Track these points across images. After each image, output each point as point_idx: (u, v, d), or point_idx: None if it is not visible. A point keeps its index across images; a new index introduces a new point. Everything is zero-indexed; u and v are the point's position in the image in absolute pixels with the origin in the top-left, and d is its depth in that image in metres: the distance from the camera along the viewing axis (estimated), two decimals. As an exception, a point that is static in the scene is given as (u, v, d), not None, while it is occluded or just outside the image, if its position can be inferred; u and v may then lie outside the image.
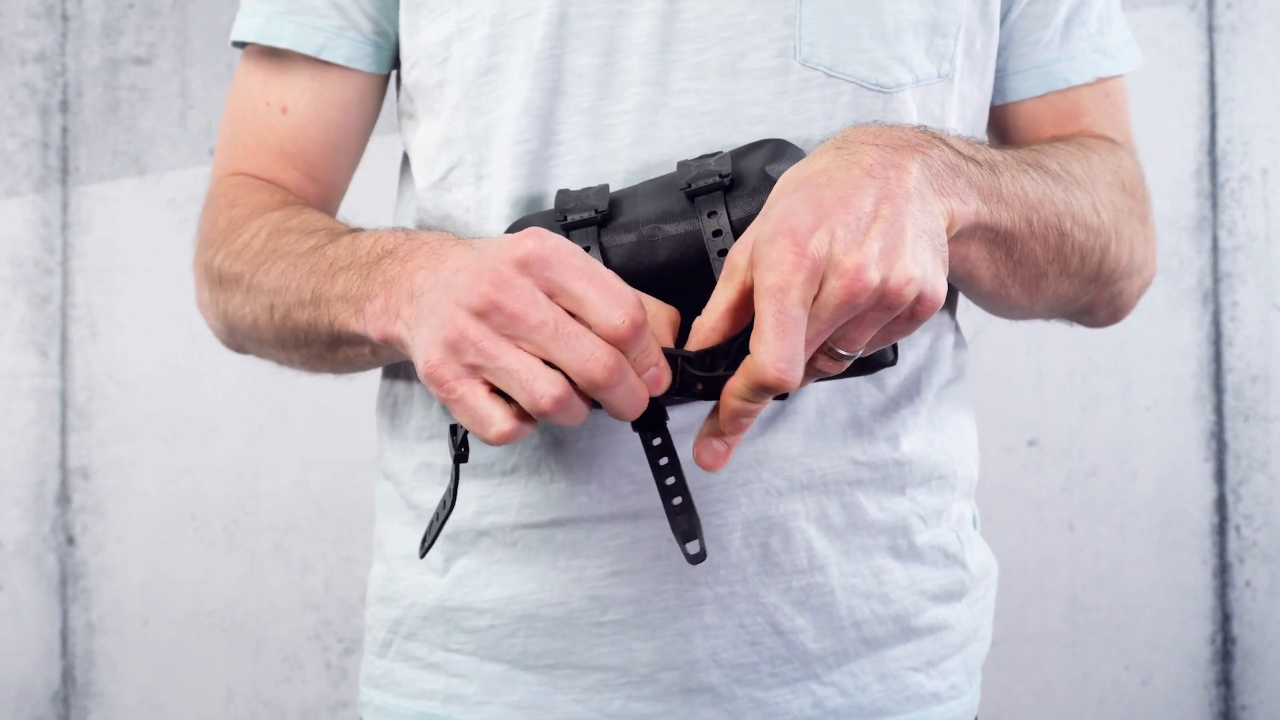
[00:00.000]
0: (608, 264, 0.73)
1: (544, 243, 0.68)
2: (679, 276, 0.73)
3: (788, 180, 0.70)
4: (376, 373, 0.99)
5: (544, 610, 0.87)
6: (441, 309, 0.68)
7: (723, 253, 0.72)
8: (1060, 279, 0.85)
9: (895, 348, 0.75)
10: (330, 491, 2.12)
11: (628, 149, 0.83)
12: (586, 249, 0.74)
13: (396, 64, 0.96)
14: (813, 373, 0.70)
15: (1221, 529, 2.14)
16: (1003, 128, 0.98)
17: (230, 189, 0.94)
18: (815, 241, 0.65)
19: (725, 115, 0.83)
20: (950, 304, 0.94)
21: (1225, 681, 2.14)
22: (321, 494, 2.12)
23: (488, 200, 0.86)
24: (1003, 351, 2.10)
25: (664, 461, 0.73)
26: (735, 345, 0.68)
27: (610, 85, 0.84)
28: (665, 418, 0.73)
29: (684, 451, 0.83)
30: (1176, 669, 2.14)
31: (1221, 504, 2.14)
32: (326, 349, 0.83)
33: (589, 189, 0.78)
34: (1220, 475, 2.13)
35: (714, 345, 0.68)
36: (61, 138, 2.12)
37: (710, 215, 0.73)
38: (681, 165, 0.77)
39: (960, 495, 0.94)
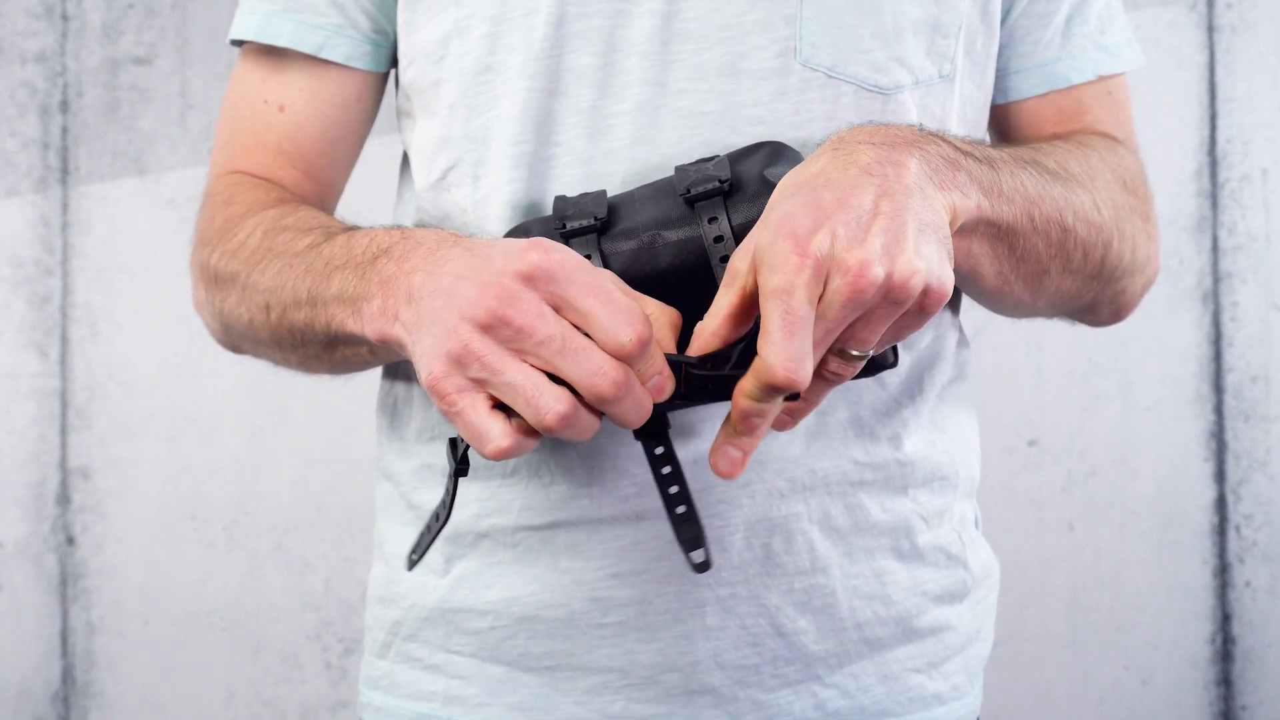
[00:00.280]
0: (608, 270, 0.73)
1: (549, 255, 0.67)
2: (680, 282, 0.72)
3: (786, 184, 0.70)
4: (376, 373, 0.99)
5: (545, 612, 0.87)
6: (445, 320, 0.68)
7: (725, 259, 0.72)
8: (1063, 275, 0.85)
9: (896, 350, 0.74)
10: (330, 491, 2.12)
11: (627, 149, 0.83)
12: (587, 257, 0.73)
13: (395, 62, 0.96)
14: (824, 378, 0.70)
15: (1221, 529, 2.14)
16: (1005, 127, 0.98)
17: (227, 187, 0.94)
18: (817, 241, 0.65)
19: (725, 116, 0.83)
20: (954, 303, 0.94)
21: (1225, 681, 2.14)
22: (321, 494, 2.12)
23: (486, 200, 0.85)
24: (1003, 351, 2.10)
25: (667, 470, 0.73)
26: (738, 348, 0.68)
27: (609, 85, 0.84)
28: (667, 426, 0.72)
29: (685, 454, 0.83)
30: (1176, 669, 2.14)
31: (1221, 504, 2.14)
32: (323, 349, 0.83)
33: (586, 195, 0.78)
34: (1220, 475, 2.13)
35: (715, 350, 0.68)
36: (61, 138, 2.12)
37: (711, 221, 0.73)
38: (679, 170, 0.77)
39: (962, 495, 0.94)
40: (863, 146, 0.71)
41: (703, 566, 0.72)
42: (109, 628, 2.12)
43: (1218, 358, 2.13)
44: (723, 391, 0.69)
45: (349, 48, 0.93)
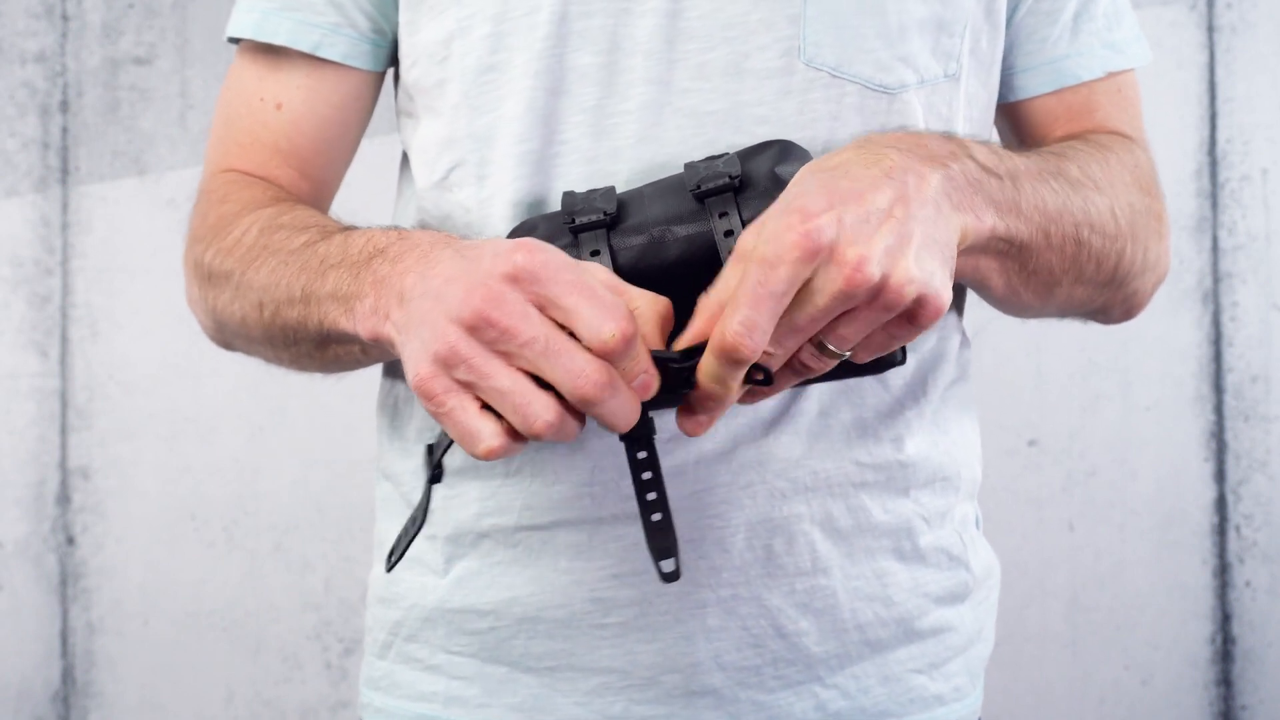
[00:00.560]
0: (617, 265, 0.73)
1: (533, 256, 0.67)
2: (688, 276, 0.72)
3: (805, 171, 0.70)
4: (376, 373, 0.99)
5: (545, 612, 0.87)
6: (432, 321, 0.68)
7: None
8: (1075, 285, 0.85)
9: (904, 348, 0.74)
10: (330, 491, 2.12)
11: (631, 149, 0.83)
12: (595, 252, 0.73)
13: (394, 62, 0.96)
14: (794, 368, 0.70)
15: (1221, 529, 2.14)
16: (1015, 125, 0.98)
17: (221, 185, 0.94)
18: (822, 222, 0.65)
19: (729, 115, 0.83)
20: (958, 304, 0.94)
21: (1225, 681, 2.14)
22: (321, 494, 2.12)
23: (490, 200, 0.85)
24: (1003, 351, 2.10)
25: (647, 476, 0.72)
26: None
27: (613, 84, 0.83)
28: (652, 431, 0.72)
29: (685, 455, 0.83)
30: (1176, 669, 2.14)
31: (1221, 504, 2.14)
32: (315, 347, 0.82)
33: (595, 191, 0.78)
34: (1220, 475, 2.13)
35: (696, 344, 0.68)
36: (61, 138, 2.12)
37: (721, 216, 0.73)
38: (689, 167, 0.76)
39: (964, 496, 0.94)
40: (890, 151, 0.71)
41: (671, 577, 0.71)
42: (109, 628, 2.12)
43: (1218, 358, 2.13)
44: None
45: (346, 46, 0.93)
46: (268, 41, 0.93)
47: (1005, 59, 0.94)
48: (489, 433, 0.67)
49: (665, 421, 0.78)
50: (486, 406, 0.67)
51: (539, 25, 0.83)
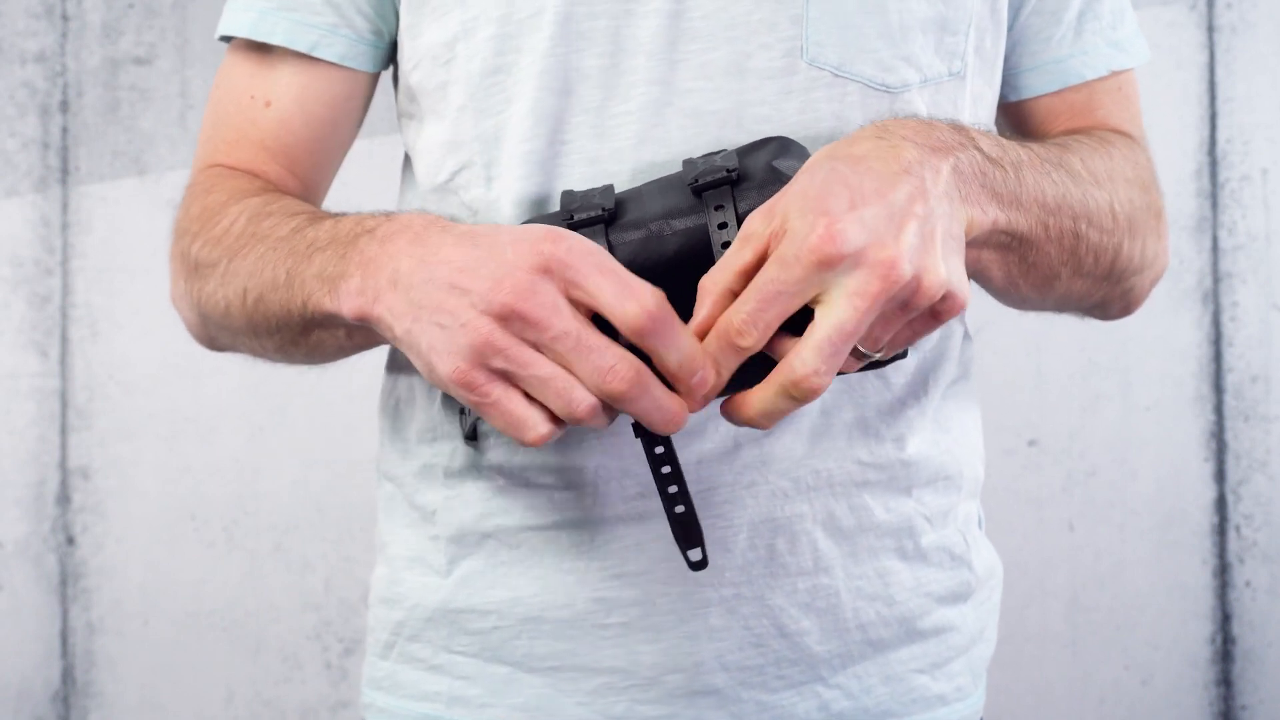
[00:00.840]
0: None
1: (560, 244, 0.67)
2: (687, 270, 0.73)
3: (823, 156, 0.71)
4: (377, 373, 0.99)
5: (548, 612, 0.86)
6: (457, 313, 0.68)
7: (727, 244, 0.72)
8: (1073, 279, 0.86)
9: None
10: (330, 491, 2.12)
11: (634, 149, 0.83)
12: None
13: (392, 63, 0.96)
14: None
15: (1221, 529, 2.14)
16: (1018, 124, 0.98)
17: (208, 179, 0.93)
18: (846, 225, 0.65)
19: (732, 115, 0.83)
20: None
21: (1225, 681, 2.14)
22: (321, 494, 2.12)
23: (497, 202, 0.85)
24: (1003, 352, 2.10)
25: (666, 470, 0.74)
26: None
27: (616, 85, 0.83)
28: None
29: (687, 455, 0.83)
30: (1176, 669, 2.14)
31: (1221, 504, 2.14)
32: (299, 333, 0.82)
33: (594, 189, 0.78)
34: (1220, 475, 2.13)
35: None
36: (61, 138, 2.12)
37: (717, 209, 0.73)
38: (687, 163, 0.77)
39: (966, 496, 0.94)
40: (907, 144, 0.71)
41: (699, 565, 0.73)
42: (109, 628, 2.11)
43: (1218, 358, 2.13)
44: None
45: (344, 47, 0.92)
46: (264, 41, 0.92)
47: (1008, 59, 0.95)
48: (537, 419, 0.68)
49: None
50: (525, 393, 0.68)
51: (543, 27, 0.83)
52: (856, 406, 0.87)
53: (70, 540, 2.11)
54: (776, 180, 0.73)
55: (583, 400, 0.67)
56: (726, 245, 0.73)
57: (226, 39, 0.96)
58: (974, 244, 0.76)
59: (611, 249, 0.74)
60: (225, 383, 2.10)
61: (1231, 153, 2.12)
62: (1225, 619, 2.14)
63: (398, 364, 0.94)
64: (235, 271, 0.84)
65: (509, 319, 0.67)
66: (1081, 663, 2.14)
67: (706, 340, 0.68)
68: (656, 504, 0.84)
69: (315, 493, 2.12)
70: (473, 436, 0.77)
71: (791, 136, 0.82)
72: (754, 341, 0.67)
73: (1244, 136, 2.12)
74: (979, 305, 1.01)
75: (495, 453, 0.87)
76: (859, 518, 0.87)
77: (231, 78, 0.96)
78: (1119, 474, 2.13)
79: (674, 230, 0.73)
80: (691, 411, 0.69)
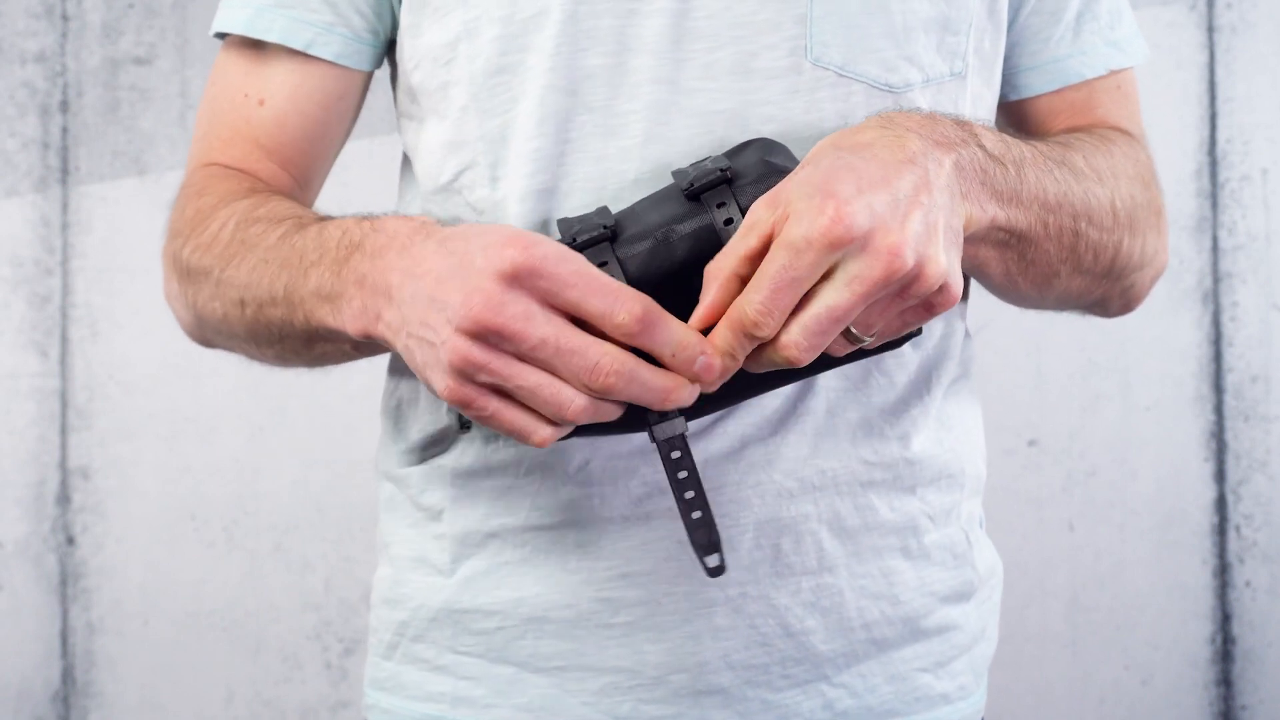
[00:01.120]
0: (627, 274, 0.73)
1: (529, 251, 0.67)
2: (699, 274, 0.73)
3: (827, 145, 0.71)
4: (378, 373, 0.99)
5: (553, 612, 0.86)
6: (437, 329, 0.69)
7: None
8: (1073, 276, 0.86)
9: None
10: (330, 491, 2.12)
11: (640, 148, 0.83)
12: (604, 263, 0.73)
13: (390, 63, 0.96)
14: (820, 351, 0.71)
15: (1221, 529, 2.14)
16: (1018, 123, 0.98)
17: (201, 179, 0.93)
18: (855, 208, 0.66)
19: (737, 115, 0.83)
20: (963, 298, 0.94)
21: (1225, 681, 2.14)
22: (321, 494, 2.12)
23: (503, 202, 0.85)
24: (1003, 351, 2.10)
25: (683, 475, 0.73)
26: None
27: (622, 84, 0.83)
28: (685, 431, 0.73)
29: (698, 455, 0.83)
30: (1176, 669, 2.14)
31: (1221, 504, 2.14)
32: (302, 344, 0.83)
33: (589, 214, 0.78)
34: (1220, 475, 2.14)
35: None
36: (61, 138, 2.12)
37: (719, 207, 0.73)
38: (676, 173, 0.77)
39: (969, 494, 0.94)
40: (911, 135, 0.72)
41: (717, 571, 0.73)
42: (109, 628, 2.11)
43: (1218, 358, 2.13)
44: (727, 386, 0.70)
45: (339, 45, 0.92)
46: (260, 38, 0.92)
47: (1008, 59, 0.95)
48: (536, 424, 0.69)
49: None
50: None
51: (548, 26, 0.83)
52: (861, 406, 0.87)
53: (70, 540, 2.11)
54: (773, 173, 0.74)
55: (572, 401, 0.67)
56: None
57: (221, 36, 0.96)
58: (972, 240, 0.76)
59: (621, 263, 0.74)
60: (225, 383, 2.10)
61: (1231, 153, 2.12)
62: (1225, 619, 2.14)
63: (399, 366, 0.94)
64: (229, 281, 0.84)
65: (483, 334, 0.67)
66: (1081, 663, 2.14)
67: (717, 331, 0.68)
68: (662, 504, 0.84)
69: (315, 493, 2.12)
70: (466, 425, 0.78)
71: (797, 136, 0.82)
72: (770, 330, 0.67)
73: (1244, 136, 2.12)
74: (979, 305, 1.01)
75: (500, 453, 0.87)
76: (864, 517, 0.87)
77: (226, 75, 0.95)
78: (1119, 474, 2.13)
79: (681, 235, 0.73)
80: (706, 389, 0.69)
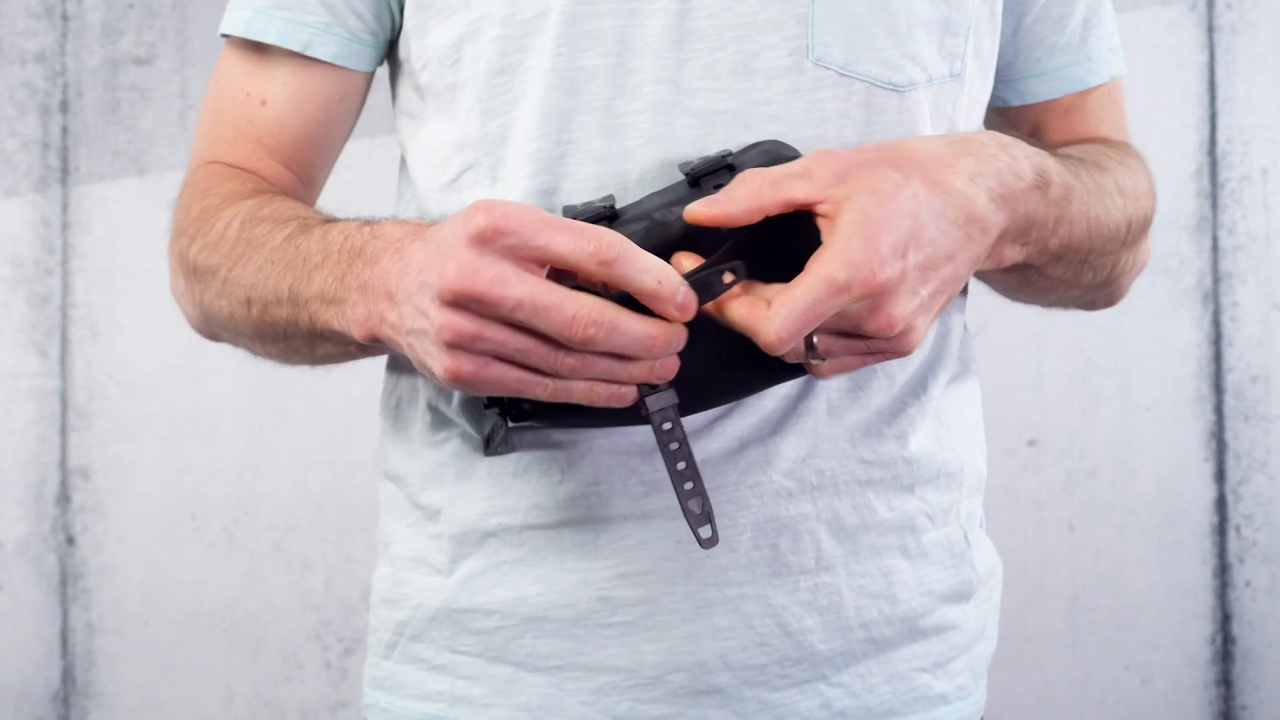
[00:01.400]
0: None
1: (493, 212, 0.68)
2: (695, 249, 0.73)
3: (908, 162, 0.75)
4: (377, 373, 0.99)
5: (552, 612, 0.86)
6: (427, 311, 0.69)
7: None
8: (1069, 289, 0.90)
9: None
10: (330, 491, 2.12)
11: (642, 148, 0.83)
12: None
13: (390, 62, 0.96)
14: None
15: (1221, 529, 2.14)
16: (1018, 129, 0.99)
17: (205, 177, 0.94)
18: (892, 269, 0.70)
19: (739, 114, 0.83)
20: (962, 292, 0.95)
21: (1225, 681, 2.14)
22: (321, 494, 2.12)
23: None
24: (1003, 351, 2.10)
25: (674, 446, 0.74)
26: (718, 262, 0.71)
27: (624, 84, 0.83)
28: (676, 402, 0.73)
29: (697, 455, 0.83)
30: (1176, 669, 2.14)
31: (1221, 504, 2.14)
32: (307, 344, 0.83)
33: (593, 200, 0.79)
34: (1220, 475, 2.14)
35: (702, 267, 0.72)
36: (61, 138, 2.12)
37: (717, 187, 0.74)
38: (684, 165, 0.78)
39: (968, 493, 0.94)
40: (982, 189, 0.75)
41: (710, 542, 0.74)
42: (109, 628, 2.11)
43: (1218, 358, 2.14)
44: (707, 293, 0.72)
45: (337, 46, 0.92)
46: (258, 40, 0.93)
47: (1011, 64, 0.96)
48: (541, 380, 0.70)
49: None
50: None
51: (548, 27, 0.83)
52: (860, 406, 0.87)
53: (70, 540, 2.11)
54: (775, 162, 0.74)
55: (563, 360, 0.68)
56: None
57: (225, 37, 0.96)
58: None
59: None
60: (225, 383, 2.10)
61: (1231, 153, 2.12)
62: (1225, 619, 2.14)
63: (398, 364, 0.94)
64: (236, 281, 0.84)
65: (464, 303, 0.68)
66: (1081, 663, 2.14)
67: (736, 313, 0.71)
68: (661, 502, 0.84)
69: (315, 493, 2.12)
70: (491, 446, 0.79)
71: (799, 135, 0.82)
72: (785, 351, 0.70)
73: (1244, 136, 2.12)
74: (979, 305, 1.01)
75: (499, 452, 0.87)
76: (862, 516, 0.87)
77: (229, 74, 0.96)
78: (1119, 474, 2.13)
79: (677, 215, 0.74)
80: (684, 318, 0.71)
